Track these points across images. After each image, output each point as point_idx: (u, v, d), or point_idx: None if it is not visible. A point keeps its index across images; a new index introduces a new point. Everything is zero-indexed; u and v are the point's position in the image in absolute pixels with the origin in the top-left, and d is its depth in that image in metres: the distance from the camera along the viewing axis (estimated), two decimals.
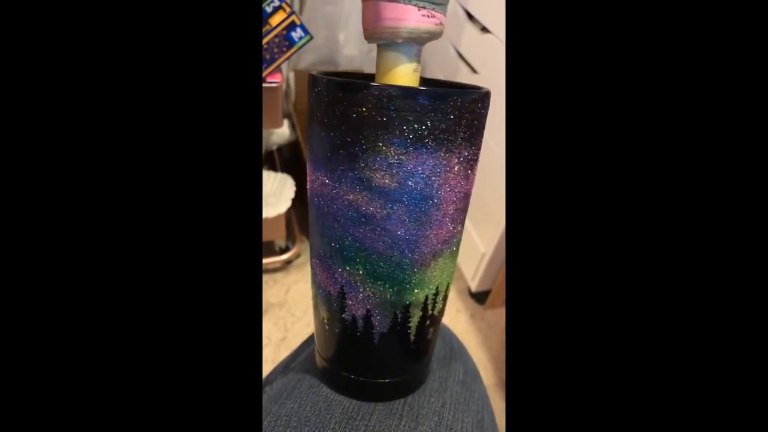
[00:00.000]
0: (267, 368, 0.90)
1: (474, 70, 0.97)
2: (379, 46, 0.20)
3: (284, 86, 1.27)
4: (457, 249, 0.23)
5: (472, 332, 1.04)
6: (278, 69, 0.74)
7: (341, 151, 0.19)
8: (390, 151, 0.18)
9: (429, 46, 1.27)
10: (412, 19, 0.18)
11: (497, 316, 1.08)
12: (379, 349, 0.23)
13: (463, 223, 0.22)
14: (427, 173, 0.19)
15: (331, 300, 0.22)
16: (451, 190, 0.20)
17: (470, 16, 0.98)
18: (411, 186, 0.19)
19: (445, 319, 0.97)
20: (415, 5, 0.18)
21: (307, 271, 1.12)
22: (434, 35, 0.19)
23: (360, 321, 0.22)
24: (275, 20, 0.68)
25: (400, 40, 0.19)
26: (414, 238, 0.20)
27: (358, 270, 0.21)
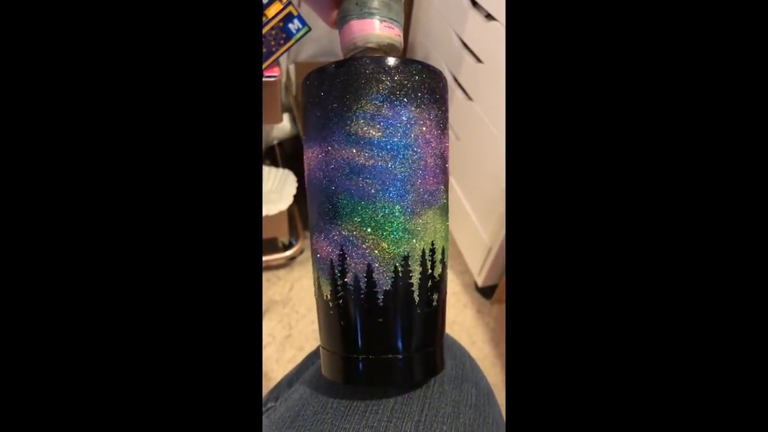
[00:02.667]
0: (271, 367, 0.90)
1: (479, 60, 0.94)
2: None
3: (284, 79, 1.24)
4: (445, 213, 0.25)
5: (479, 327, 1.02)
6: (276, 62, 0.71)
7: (332, 117, 0.23)
8: (369, 106, 0.22)
9: (432, 36, 1.24)
10: (376, 28, 0.24)
11: (504, 311, 1.06)
12: (385, 311, 0.23)
13: (445, 186, 0.25)
14: (403, 123, 0.22)
15: (333, 268, 0.24)
16: (427, 143, 0.23)
17: (474, 3, 0.95)
18: (391, 134, 0.22)
19: (452, 314, 0.96)
20: (377, 19, 0.24)
21: (311, 267, 1.11)
22: (393, 42, 0.25)
23: (362, 279, 0.23)
24: (271, 11, 0.66)
25: (370, 44, 0.24)
26: (401, 183, 0.23)
27: (355, 223, 0.23)
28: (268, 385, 0.87)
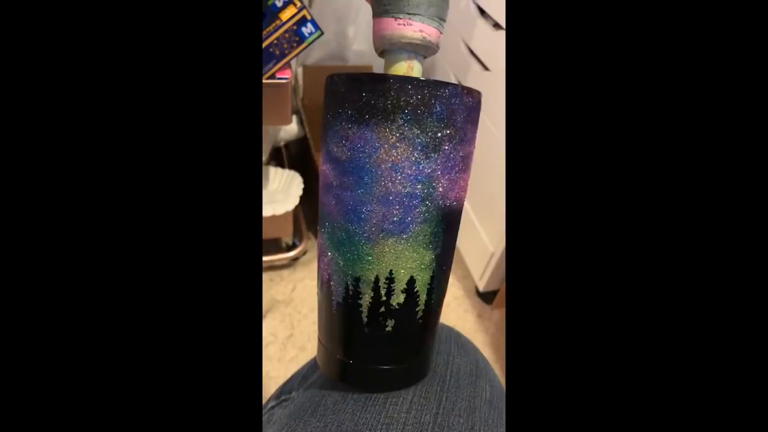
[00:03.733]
0: (273, 366, 0.90)
1: (486, 68, 0.95)
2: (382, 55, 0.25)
3: (292, 82, 1.25)
4: (419, 242, 0.22)
5: (480, 332, 1.03)
6: (287, 65, 0.72)
7: (323, 131, 0.23)
8: (341, 126, 0.21)
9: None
10: (390, 28, 0.22)
11: (505, 316, 1.07)
12: (337, 320, 0.24)
13: (422, 216, 0.22)
14: (368, 148, 0.21)
15: (317, 267, 0.26)
16: (395, 169, 0.21)
17: (482, 12, 0.96)
18: (356, 158, 0.21)
19: (453, 319, 0.95)
20: (392, 17, 0.22)
21: (313, 268, 1.11)
22: (413, 40, 0.22)
23: (324, 286, 0.25)
24: (285, 15, 0.67)
25: (387, 47, 0.23)
26: (359, 207, 0.22)
27: (324, 235, 0.24)
28: (269, 384, 0.88)
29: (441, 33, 0.23)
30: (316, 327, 1.00)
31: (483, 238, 0.99)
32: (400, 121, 0.21)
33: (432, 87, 0.21)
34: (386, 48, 0.23)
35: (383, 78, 0.21)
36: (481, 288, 1.04)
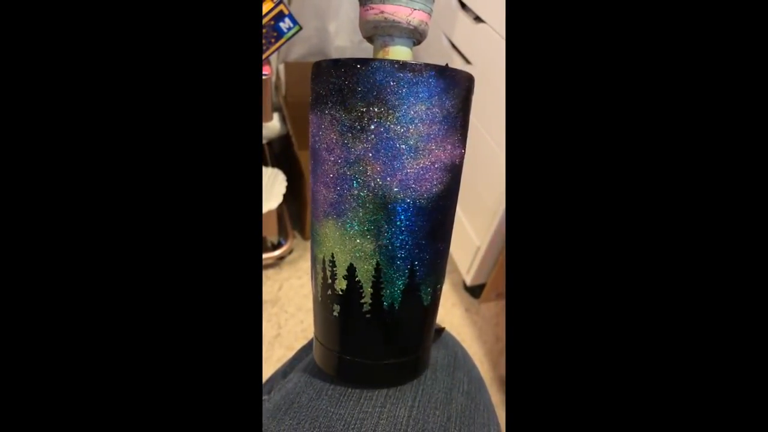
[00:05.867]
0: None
1: (467, 61, 0.95)
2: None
3: (274, 78, 1.24)
4: (362, 231, 0.21)
5: (467, 326, 1.03)
6: (267, 61, 0.71)
7: None
8: (309, 117, 0.23)
9: None
10: (361, 18, 0.23)
11: (492, 309, 1.07)
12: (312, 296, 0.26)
13: (356, 201, 0.21)
14: (314, 132, 0.22)
15: None
16: (329, 150, 0.22)
17: (463, 5, 0.96)
18: (311, 144, 0.23)
19: (440, 313, 0.96)
20: (362, 6, 0.22)
21: (299, 267, 1.11)
22: (378, 23, 0.22)
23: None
24: (262, 10, 0.66)
25: (366, 35, 0.23)
26: (314, 189, 0.23)
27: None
28: None
29: (415, 10, 0.21)
30: (302, 327, 1.00)
31: (469, 232, 1.00)
32: (330, 103, 0.21)
33: (351, 65, 0.20)
34: (368, 37, 0.23)
35: (319, 64, 0.22)
36: (468, 282, 1.05)
